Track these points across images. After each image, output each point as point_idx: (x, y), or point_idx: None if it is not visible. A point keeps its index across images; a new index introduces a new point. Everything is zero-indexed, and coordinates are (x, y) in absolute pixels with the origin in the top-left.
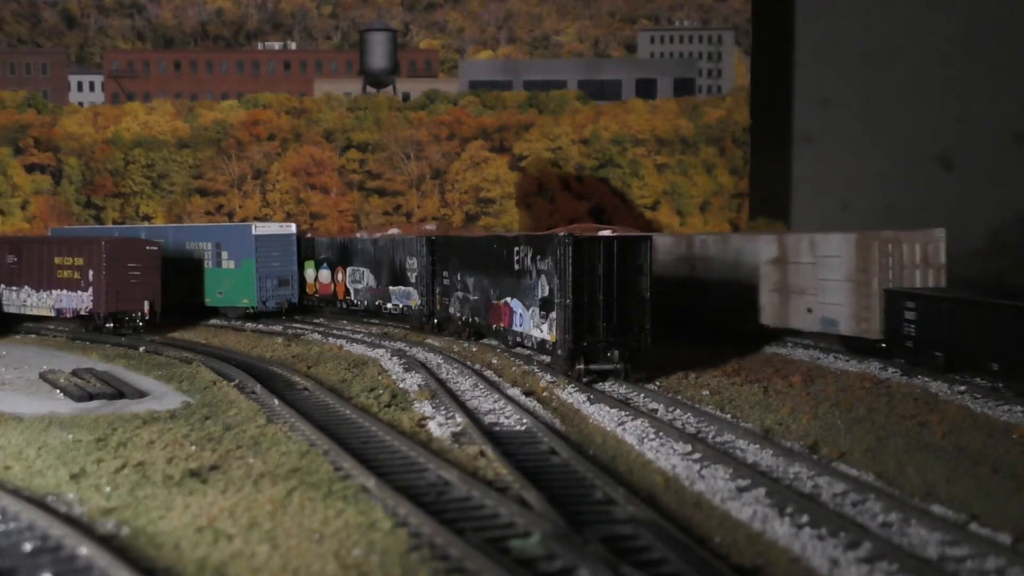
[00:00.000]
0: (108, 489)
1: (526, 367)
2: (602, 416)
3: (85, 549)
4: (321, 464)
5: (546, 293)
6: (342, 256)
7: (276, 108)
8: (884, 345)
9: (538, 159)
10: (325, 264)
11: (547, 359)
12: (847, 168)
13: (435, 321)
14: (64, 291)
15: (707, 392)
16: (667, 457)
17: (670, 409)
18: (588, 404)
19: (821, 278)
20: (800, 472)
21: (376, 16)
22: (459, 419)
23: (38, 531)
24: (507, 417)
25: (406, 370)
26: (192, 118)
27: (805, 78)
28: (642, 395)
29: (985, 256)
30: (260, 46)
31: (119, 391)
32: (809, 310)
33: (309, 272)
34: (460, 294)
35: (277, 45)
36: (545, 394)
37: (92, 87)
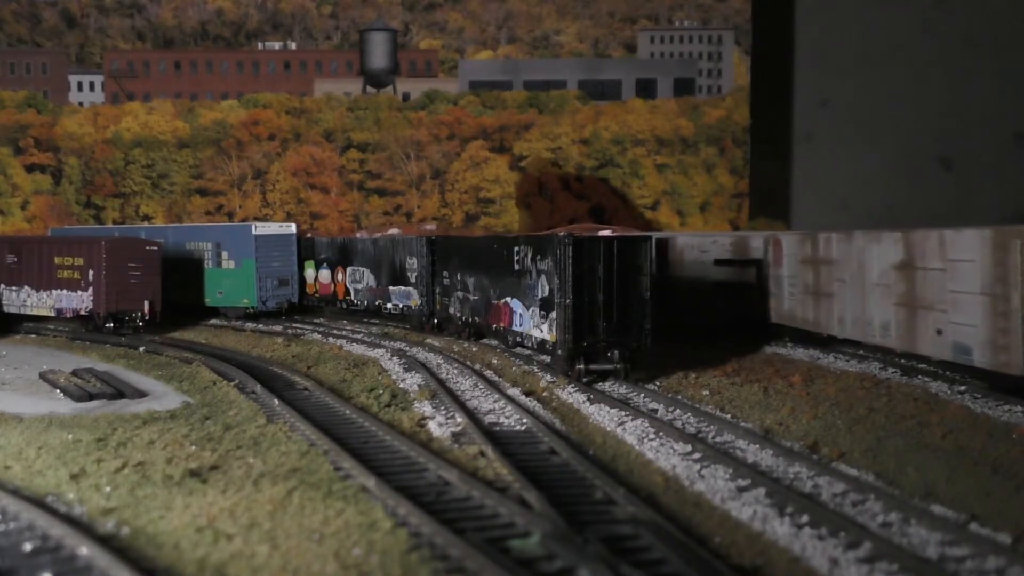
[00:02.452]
0: (108, 489)
1: (526, 367)
2: (602, 416)
3: (85, 549)
4: (321, 464)
5: (546, 293)
6: (342, 256)
7: (276, 108)
8: None
9: (538, 159)
10: (325, 264)
11: (547, 359)
12: (847, 168)
13: (435, 321)
14: (64, 291)
15: (707, 392)
16: (667, 457)
17: (670, 409)
18: (588, 404)
19: (952, 290)
20: (800, 472)
21: (376, 16)
22: (459, 419)
23: (38, 531)
24: (507, 417)
25: (406, 370)
26: (192, 118)
27: (805, 78)
28: (642, 395)
29: None
30: (260, 46)
31: (119, 391)
32: (939, 331)
33: (309, 272)
34: (460, 294)
35: (277, 45)
36: (545, 394)
37: (92, 87)
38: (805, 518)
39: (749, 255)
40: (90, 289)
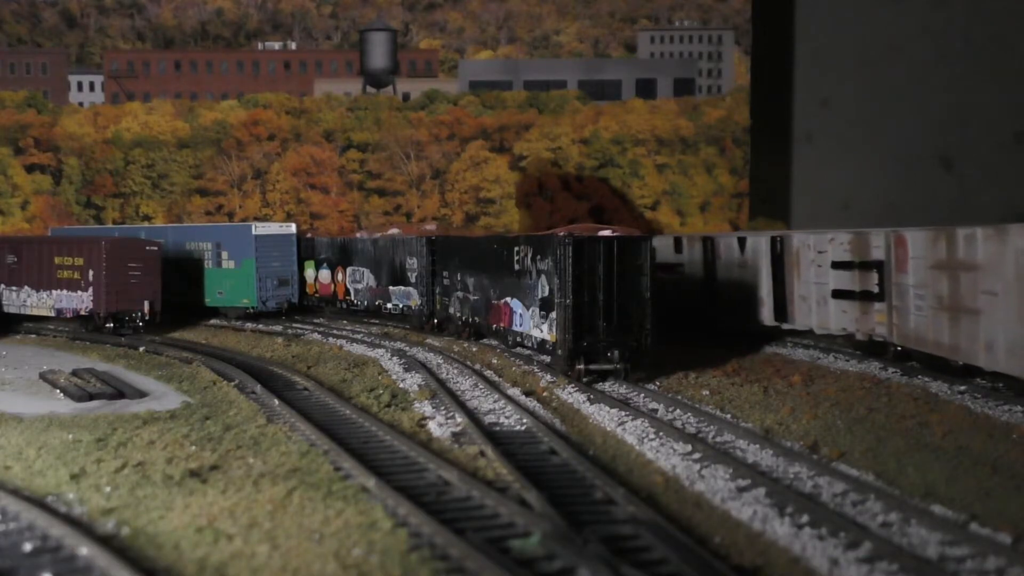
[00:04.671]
0: (108, 489)
1: (526, 367)
2: (602, 416)
3: (85, 549)
4: (321, 464)
5: (546, 293)
6: (342, 256)
7: (276, 108)
8: None
9: (538, 159)
10: (325, 264)
11: (547, 359)
12: (847, 168)
13: (435, 321)
14: (64, 291)
15: (707, 392)
16: (667, 457)
17: (670, 409)
18: (588, 404)
19: None
20: (800, 472)
21: (376, 16)
22: (459, 419)
23: (38, 531)
24: (507, 417)
25: (406, 370)
26: (192, 118)
27: (805, 78)
28: (642, 395)
29: None
30: (260, 46)
31: (119, 391)
32: None
33: (309, 272)
34: (460, 294)
35: (277, 45)
36: (545, 394)
37: (92, 87)
38: (805, 518)
39: (869, 256)
40: (90, 289)
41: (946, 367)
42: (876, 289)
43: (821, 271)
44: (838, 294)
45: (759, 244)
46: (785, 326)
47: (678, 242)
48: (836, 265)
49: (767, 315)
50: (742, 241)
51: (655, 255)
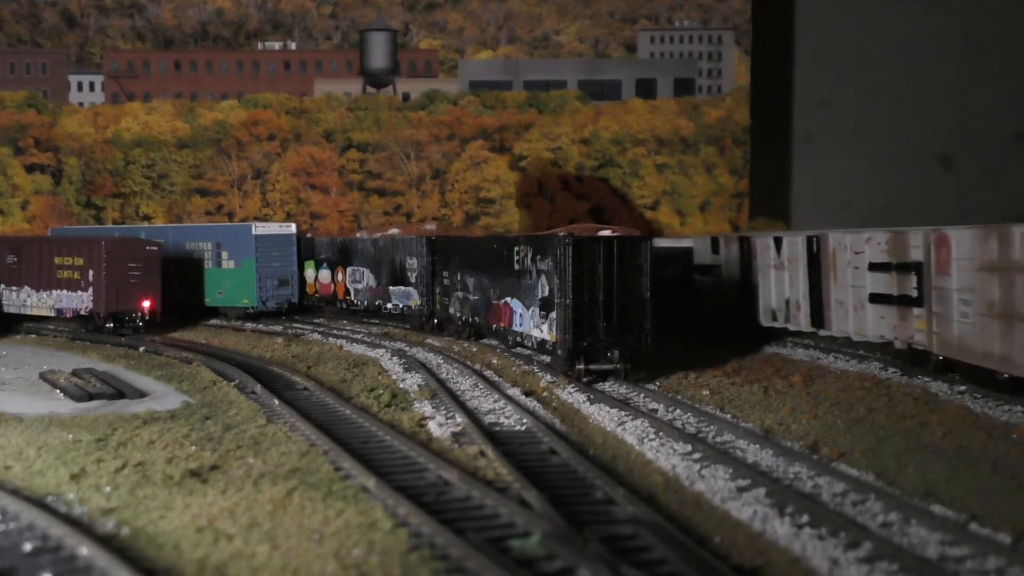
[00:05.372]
0: (108, 489)
1: (526, 367)
2: (602, 416)
3: (85, 549)
4: (321, 464)
5: (546, 293)
6: (342, 256)
7: (276, 108)
8: None
9: (538, 159)
10: (325, 264)
11: (547, 359)
12: (847, 168)
13: (435, 321)
14: (64, 291)
15: (707, 392)
16: (667, 457)
17: (670, 409)
18: (588, 404)
19: None
20: (800, 472)
21: (376, 16)
22: (459, 419)
23: (38, 531)
24: (507, 417)
25: (406, 370)
26: (192, 118)
27: (805, 78)
28: (642, 395)
29: None
30: (260, 46)
31: (119, 391)
32: None
33: (309, 272)
34: (460, 294)
35: (277, 45)
36: (545, 394)
37: (92, 87)
38: (805, 518)
39: (908, 257)
40: (90, 289)
41: (991, 381)
42: (915, 293)
43: (858, 273)
44: (875, 298)
45: (795, 244)
46: (823, 332)
47: (715, 243)
48: (873, 267)
49: (803, 320)
50: (778, 241)
51: (692, 257)
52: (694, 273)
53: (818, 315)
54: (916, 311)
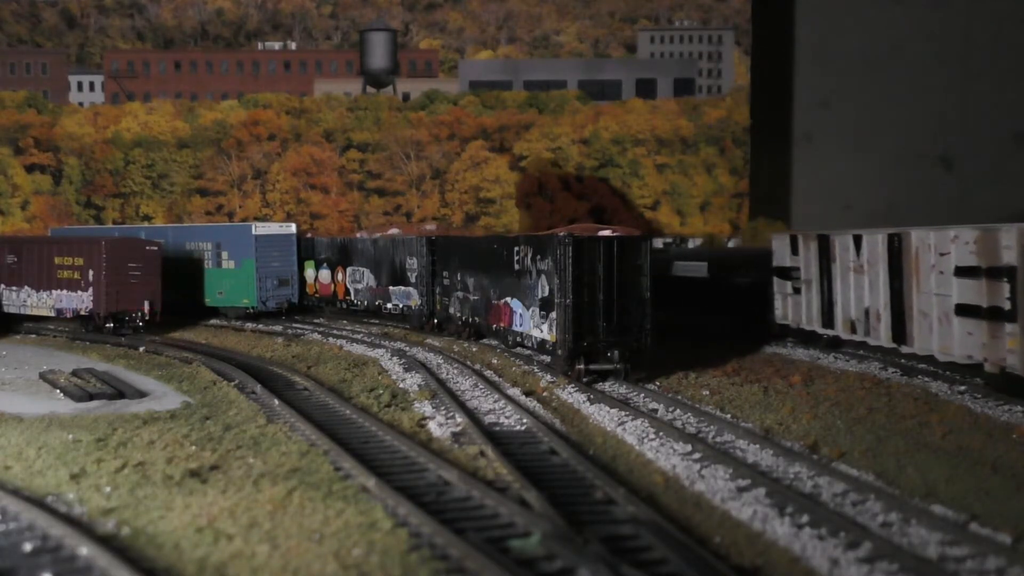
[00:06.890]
0: (108, 489)
1: (526, 367)
2: (602, 416)
3: (85, 549)
4: (321, 464)
5: (546, 293)
6: (342, 256)
7: (276, 108)
8: None
9: (538, 159)
10: (325, 264)
11: (547, 359)
12: (847, 168)
13: (435, 321)
14: (64, 291)
15: (707, 392)
16: (667, 457)
17: (670, 409)
18: (588, 404)
19: None
20: (800, 472)
21: (376, 16)
22: (459, 419)
23: (38, 531)
24: (507, 417)
25: (406, 370)
26: (192, 118)
27: (805, 78)
28: (642, 395)
29: None
30: (260, 46)
31: (119, 391)
32: None
33: (309, 272)
34: (460, 294)
35: (277, 45)
36: (545, 394)
37: (92, 87)
38: (805, 518)
39: (999, 260)
40: (90, 289)
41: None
42: (1007, 305)
43: (943, 279)
44: (962, 310)
45: (875, 244)
46: (904, 349)
47: (794, 241)
48: (960, 272)
49: (884, 334)
50: (858, 240)
51: (771, 258)
52: (773, 276)
53: (899, 328)
54: (1009, 327)
